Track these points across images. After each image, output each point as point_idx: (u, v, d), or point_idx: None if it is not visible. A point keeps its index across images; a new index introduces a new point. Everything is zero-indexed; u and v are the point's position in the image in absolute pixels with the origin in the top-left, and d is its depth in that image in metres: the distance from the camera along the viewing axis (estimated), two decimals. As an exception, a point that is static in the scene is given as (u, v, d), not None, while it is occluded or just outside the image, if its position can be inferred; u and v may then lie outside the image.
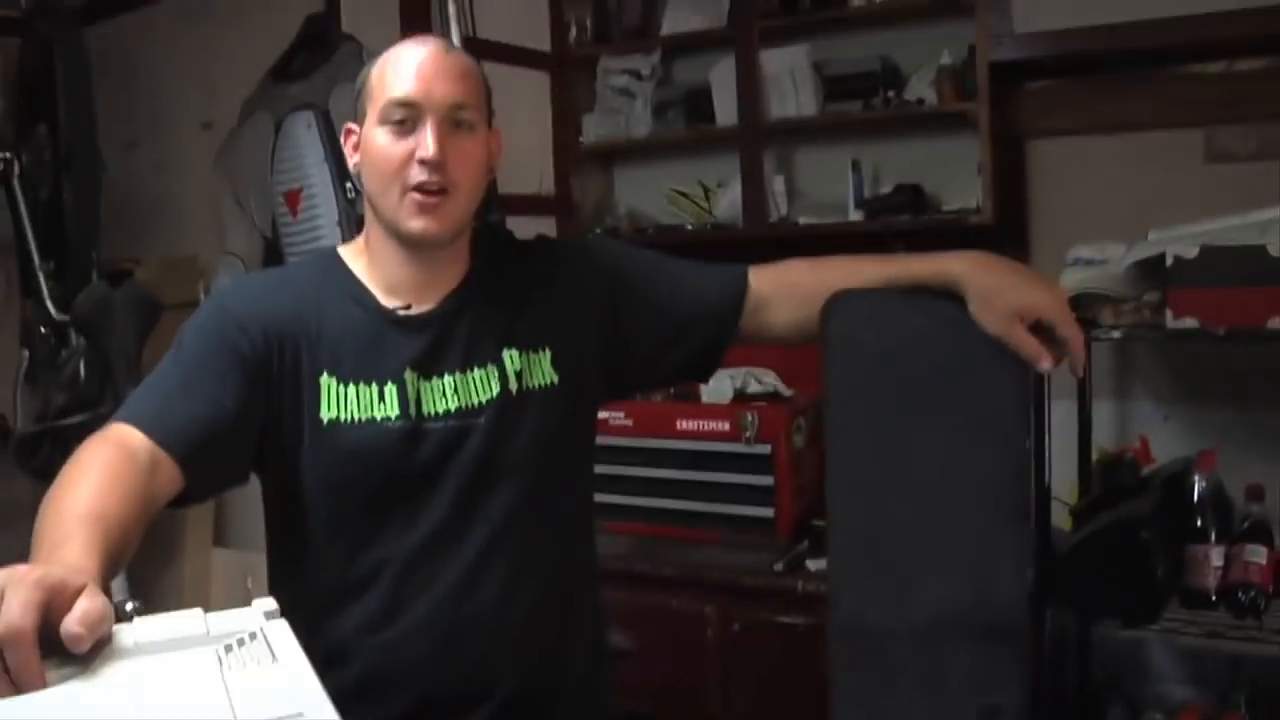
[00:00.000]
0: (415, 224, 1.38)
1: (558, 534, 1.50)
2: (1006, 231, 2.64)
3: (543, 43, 3.21)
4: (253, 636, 1.11)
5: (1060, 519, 2.36)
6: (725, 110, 2.99)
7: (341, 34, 2.98)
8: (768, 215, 2.95)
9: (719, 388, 2.88)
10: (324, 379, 1.40)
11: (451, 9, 2.81)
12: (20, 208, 3.16)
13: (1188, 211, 2.28)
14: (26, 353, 3.23)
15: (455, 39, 2.82)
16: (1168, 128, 2.51)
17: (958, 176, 2.74)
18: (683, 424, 2.80)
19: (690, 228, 3.15)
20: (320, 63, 2.94)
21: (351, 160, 1.47)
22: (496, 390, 1.43)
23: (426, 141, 1.36)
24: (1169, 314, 2.06)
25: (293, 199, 2.93)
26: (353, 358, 1.41)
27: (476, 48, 2.92)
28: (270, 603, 1.19)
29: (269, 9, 3.19)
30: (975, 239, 2.61)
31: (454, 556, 1.41)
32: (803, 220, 2.97)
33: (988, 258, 1.44)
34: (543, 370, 1.47)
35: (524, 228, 3.11)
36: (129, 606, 3.17)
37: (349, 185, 2.85)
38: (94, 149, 3.09)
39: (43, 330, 3.15)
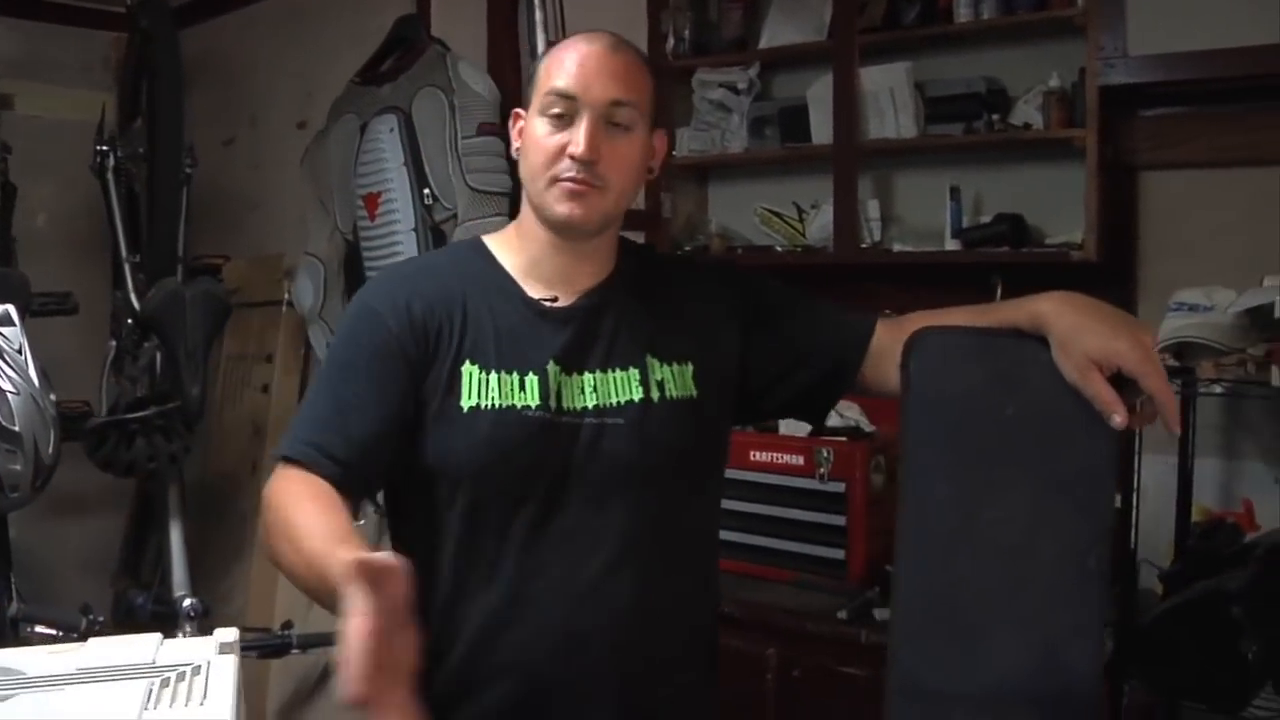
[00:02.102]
0: (561, 208, 1.39)
1: (687, 549, 1.49)
2: (1111, 269, 2.46)
3: (638, 53, 3.13)
4: (196, 671, 1.09)
5: (1150, 582, 2.19)
6: (821, 129, 2.87)
7: (429, 37, 2.94)
8: (859, 240, 2.81)
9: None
10: (466, 367, 1.39)
11: (539, 15, 2.75)
12: (112, 200, 3.20)
13: (1315, 257, 2.09)
14: (114, 343, 3.27)
15: (540, 43, 2.77)
16: (1296, 163, 2.30)
17: (1063, 208, 2.56)
18: (756, 455, 2.70)
19: (781, 249, 3.04)
20: (407, 66, 2.92)
21: (514, 145, 1.47)
22: (639, 394, 1.42)
23: (579, 138, 1.36)
24: (1275, 370, 1.87)
25: (371, 202, 2.91)
26: (495, 346, 1.41)
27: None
28: (231, 633, 1.15)
29: (366, 10, 3.18)
30: (1078, 276, 2.44)
31: (589, 557, 1.39)
32: (896, 247, 2.83)
33: (1076, 298, 1.34)
34: (684, 382, 1.46)
35: (610, 241, 3.06)
36: (187, 603, 3.12)
37: (426, 191, 2.82)
38: (180, 145, 3.10)
39: (129, 322, 3.19)
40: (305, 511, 1.28)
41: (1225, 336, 1.99)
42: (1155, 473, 2.28)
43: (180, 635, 2.74)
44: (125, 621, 3.12)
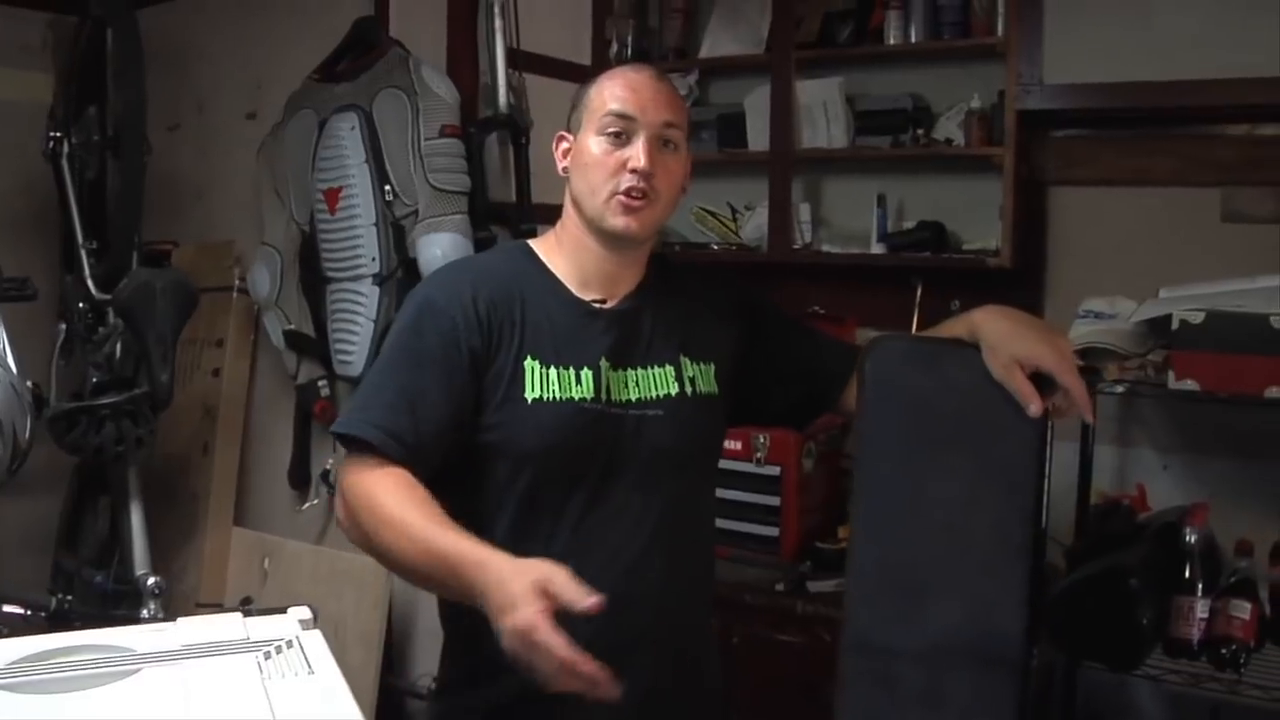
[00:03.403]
0: (619, 221, 1.54)
1: (701, 529, 1.70)
2: (1023, 276, 2.70)
3: (583, 57, 3.28)
4: (289, 645, 1.18)
5: (1055, 557, 2.43)
6: (758, 136, 3.06)
7: (388, 39, 3.05)
8: (792, 241, 3.01)
9: (733, 406, 2.94)
10: (528, 361, 1.54)
11: (498, 21, 2.89)
12: (67, 186, 3.24)
13: (1201, 269, 2.35)
14: (64, 326, 3.31)
15: (500, 49, 2.90)
16: (1187, 185, 2.56)
17: (979, 218, 2.79)
18: (696, 440, 2.87)
19: (715, 247, 3.22)
20: (366, 66, 3.01)
21: (560, 164, 1.63)
22: (675, 389, 1.60)
23: (639, 154, 1.53)
24: (1171, 375, 2.13)
25: (332, 196, 3.01)
26: (553, 343, 1.56)
27: (520, 59, 3.00)
28: (305, 611, 1.26)
29: (321, 7, 3.25)
30: (992, 281, 2.67)
31: (633, 533, 1.56)
32: (826, 249, 3.04)
33: (1003, 310, 1.55)
34: (709, 380, 1.65)
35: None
36: (150, 581, 3.21)
37: (388, 188, 2.93)
38: (141, 133, 3.15)
39: (81, 306, 3.23)
40: (403, 504, 1.43)
41: (1127, 342, 2.24)
42: (1058, 459, 2.47)
43: (144, 612, 2.84)
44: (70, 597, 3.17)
